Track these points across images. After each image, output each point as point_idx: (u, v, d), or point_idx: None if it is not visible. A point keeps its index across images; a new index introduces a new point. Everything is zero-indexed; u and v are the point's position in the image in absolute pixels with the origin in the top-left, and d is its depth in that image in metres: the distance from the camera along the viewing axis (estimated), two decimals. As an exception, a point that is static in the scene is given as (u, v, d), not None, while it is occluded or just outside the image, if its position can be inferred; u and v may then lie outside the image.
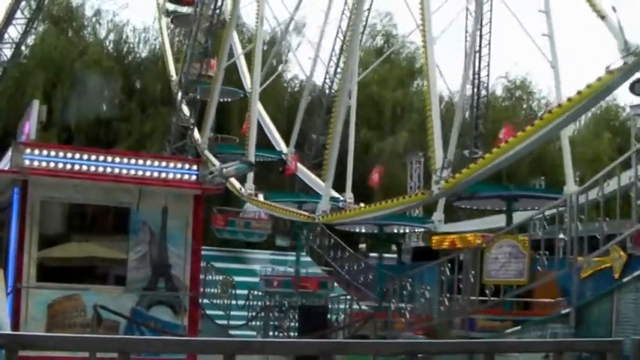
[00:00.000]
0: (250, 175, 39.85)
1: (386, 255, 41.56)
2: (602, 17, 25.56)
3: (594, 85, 20.67)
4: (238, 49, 48.84)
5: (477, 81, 42.43)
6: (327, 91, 47.59)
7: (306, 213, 34.79)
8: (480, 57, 41.81)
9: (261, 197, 39.16)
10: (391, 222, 35.49)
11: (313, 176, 42.82)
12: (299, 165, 42.35)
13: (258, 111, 44.50)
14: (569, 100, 21.46)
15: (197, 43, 42.20)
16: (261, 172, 42.81)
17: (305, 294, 31.57)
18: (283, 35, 49.76)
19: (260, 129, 44.64)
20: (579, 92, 20.85)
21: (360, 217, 32.84)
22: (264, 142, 45.95)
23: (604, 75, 20.45)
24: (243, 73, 48.93)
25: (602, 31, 24.68)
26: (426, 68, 30.05)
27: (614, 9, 23.05)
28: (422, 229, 38.82)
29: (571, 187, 32.11)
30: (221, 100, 46.61)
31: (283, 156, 45.09)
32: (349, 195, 39.40)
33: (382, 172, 40.52)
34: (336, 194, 39.81)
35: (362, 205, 34.77)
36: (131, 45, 59.32)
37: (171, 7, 52.49)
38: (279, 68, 52.23)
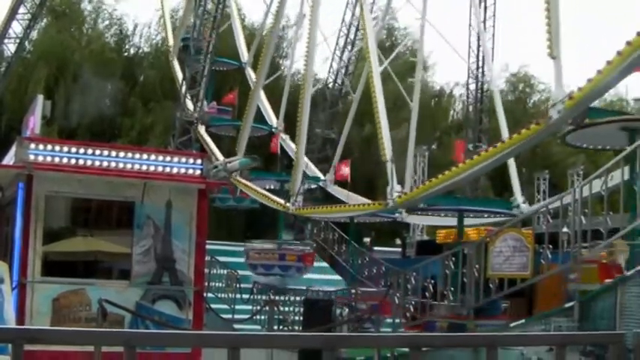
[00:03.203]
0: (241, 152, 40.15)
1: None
2: None
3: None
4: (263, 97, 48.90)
5: (480, 75, 42.48)
6: (330, 85, 47.57)
7: (282, 201, 35.49)
8: (484, 51, 41.82)
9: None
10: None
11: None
12: (290, 144, 42.35)
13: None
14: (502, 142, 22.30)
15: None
16: (250, 148, 42.83)
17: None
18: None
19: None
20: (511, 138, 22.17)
21: (330, 214, 33.79)
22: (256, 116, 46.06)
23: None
24: (240, 43, 49.13)
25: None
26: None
27: None
28: (389, 219, 38.28)
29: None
30: (215, 69, 45.71)
31: (274, 129, 44.94)
32: (331, 177, 39.32)
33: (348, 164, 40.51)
34: (318, 173, 40.29)
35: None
36: (132, 38, 59.48)
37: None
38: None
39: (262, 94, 46.00)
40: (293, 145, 40.88)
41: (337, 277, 36.62)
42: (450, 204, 31.62)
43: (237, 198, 39.40)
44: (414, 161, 41.62)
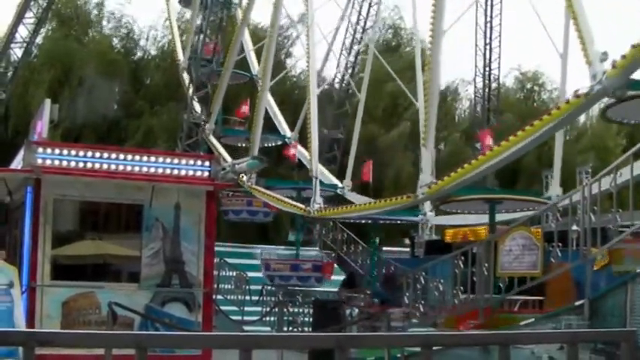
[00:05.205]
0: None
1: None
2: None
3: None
4: (246, 36, 48.77)
5: (487, 73, 42.39)
6: (337, 85, 47.47)
7: (302, 206, 35.67)
8: (490, 49, 41.76)
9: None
10: (382, 217, 35.89)
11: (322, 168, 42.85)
12: (303, 151, 42.28)
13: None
14: (540, 119, 21.96)
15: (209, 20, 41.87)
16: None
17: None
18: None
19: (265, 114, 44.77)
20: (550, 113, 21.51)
21: (357, 213, 33.95)
22: (268, 128, 45.91)
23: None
24: (250, 56, 48.92)
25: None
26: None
27: None
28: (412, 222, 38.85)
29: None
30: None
31: (287, 140, 45.04)
32: (348, 182, 40.02)
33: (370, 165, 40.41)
34: (335, 180, 40.42)
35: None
36: (138, 41, 59.44)
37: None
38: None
39: (272, 102, 45.97)
40: (305, 152, 40.88)
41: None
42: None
43: (250, 210, 39.18)
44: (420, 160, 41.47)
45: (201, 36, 42.33)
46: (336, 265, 36.41)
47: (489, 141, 27.79)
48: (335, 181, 41.00)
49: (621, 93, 22.64)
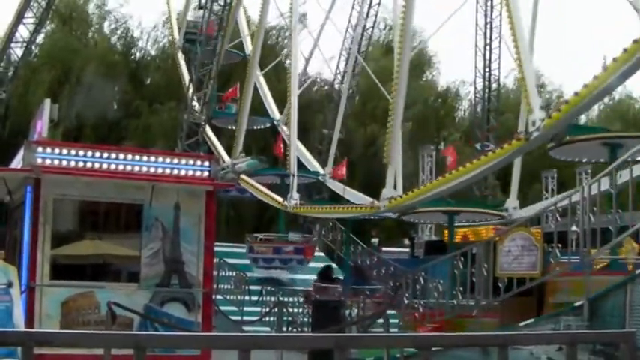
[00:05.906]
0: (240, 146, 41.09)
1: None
2: None
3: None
4: (242, 20, 48.90)
5: (487, 74, 42.43)
6: (336, 86, 47.45)
7: (280, 200, 36.13)
8: (490, 50, 41.80)
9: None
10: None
11: (305, 152, 43.19)
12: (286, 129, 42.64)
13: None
14: (493, 152, 24.60)
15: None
16: (251, 141, 43.09)
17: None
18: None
19: (255, 94, 44.83)
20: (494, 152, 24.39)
21: (329, 214, 34.53)
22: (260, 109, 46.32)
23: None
24: (244, 34, 48.96)
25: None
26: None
27: None
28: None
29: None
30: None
31: (275, 122, 45.33)
32: (329, 170, 41.29)
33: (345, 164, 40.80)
34: (318, 167, 40.96)
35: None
36: (138, 41, 59.48)
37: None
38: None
39: (263, 82, 46.30)
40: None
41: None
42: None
43: (240, 189, 39.72)
44: (422, 160, 41.60)
45: (206, 13, 42.27)
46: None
47: (452, 157, 30.93)
48: (317, 167, 41.57)
49: (559, 139, 24.14)
